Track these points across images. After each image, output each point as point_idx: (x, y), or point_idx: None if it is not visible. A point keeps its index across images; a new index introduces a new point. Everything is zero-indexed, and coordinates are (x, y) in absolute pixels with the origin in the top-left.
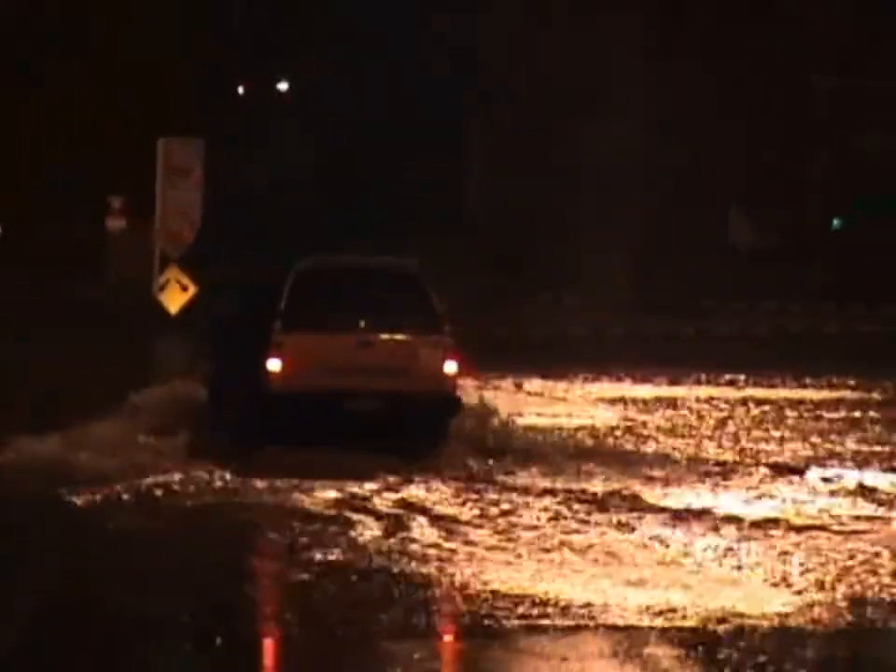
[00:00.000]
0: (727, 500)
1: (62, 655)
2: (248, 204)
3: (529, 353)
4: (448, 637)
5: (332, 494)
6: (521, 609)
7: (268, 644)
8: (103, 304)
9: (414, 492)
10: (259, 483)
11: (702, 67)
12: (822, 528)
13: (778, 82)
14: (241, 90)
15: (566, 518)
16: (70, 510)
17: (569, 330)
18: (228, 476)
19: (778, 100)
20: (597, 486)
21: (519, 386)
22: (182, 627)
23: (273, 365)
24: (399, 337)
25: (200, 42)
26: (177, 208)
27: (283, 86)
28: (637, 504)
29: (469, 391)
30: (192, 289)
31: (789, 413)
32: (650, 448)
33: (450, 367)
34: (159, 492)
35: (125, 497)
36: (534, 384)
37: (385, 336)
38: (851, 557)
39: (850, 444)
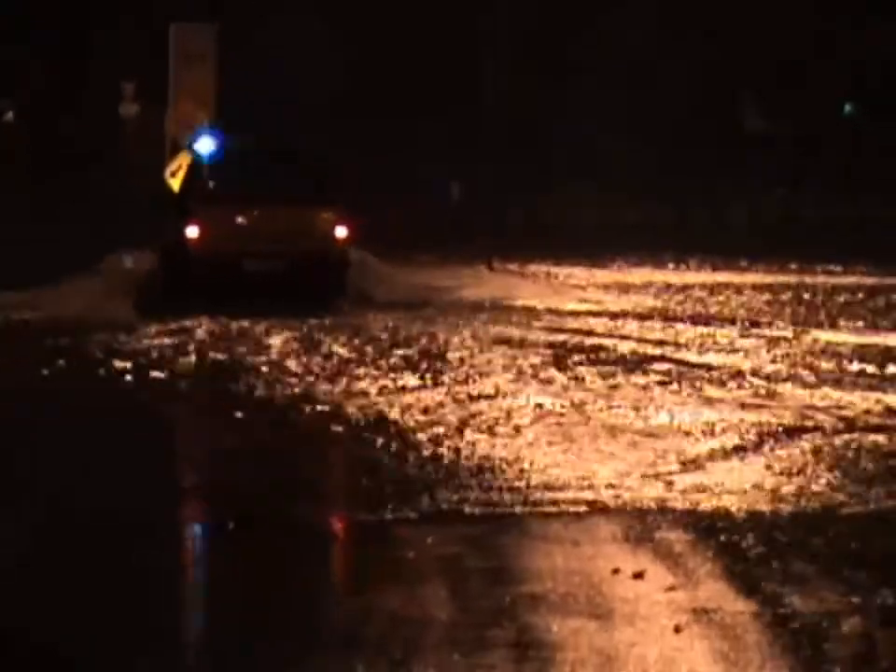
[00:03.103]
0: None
1: None
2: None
3: (537, 238)
4: None
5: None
6: None
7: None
8: (108, 189)
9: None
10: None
11: None
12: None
13: None
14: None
15: None
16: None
17: (580, 218)
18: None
19: None
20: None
21: (495, 269)
22: None
23: (191, 232)
24: (295, 207)
25: None
26: (190, 93)
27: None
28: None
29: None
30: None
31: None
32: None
33: (340, 231)
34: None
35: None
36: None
37: (283, 207)
38: None
39: None
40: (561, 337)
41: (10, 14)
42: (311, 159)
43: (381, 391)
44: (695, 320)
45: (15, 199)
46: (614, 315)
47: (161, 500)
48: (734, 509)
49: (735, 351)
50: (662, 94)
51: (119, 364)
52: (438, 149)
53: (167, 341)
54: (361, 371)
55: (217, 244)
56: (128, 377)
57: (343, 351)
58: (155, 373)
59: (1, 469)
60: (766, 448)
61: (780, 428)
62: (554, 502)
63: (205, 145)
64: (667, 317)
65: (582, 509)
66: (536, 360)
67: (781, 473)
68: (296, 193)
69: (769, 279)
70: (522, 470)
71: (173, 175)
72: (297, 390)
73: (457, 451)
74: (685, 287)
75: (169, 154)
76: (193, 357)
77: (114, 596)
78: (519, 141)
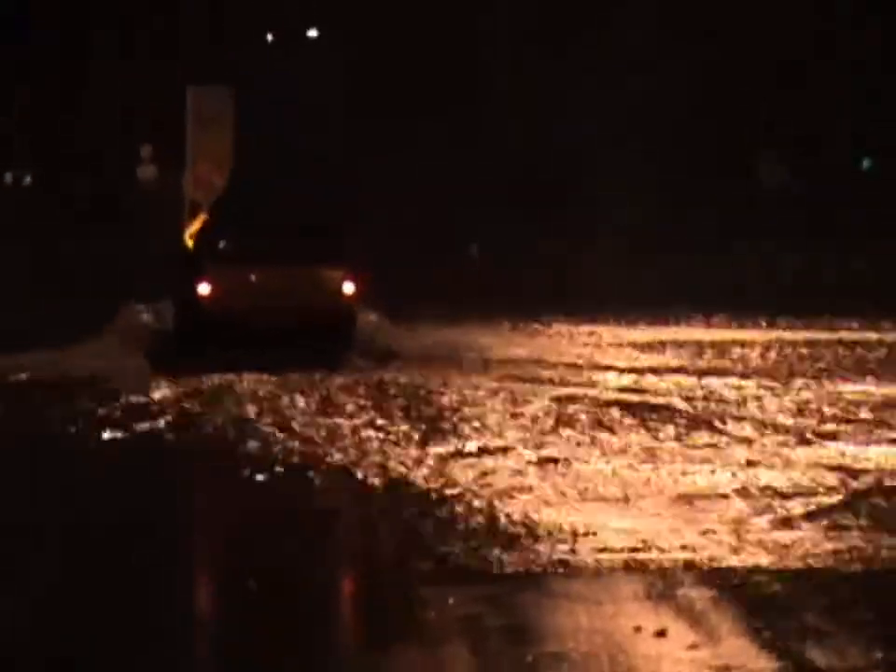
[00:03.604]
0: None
1: None
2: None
3: (558, 295)
4: None
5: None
6: None
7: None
8: (125, 249)
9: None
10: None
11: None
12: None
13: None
14: (269, 37)
15: None
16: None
17: (599, 271)
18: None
19: (807, 40)
20: None
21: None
22: None
23: (203, 289)
24: (303, 266)
25: None
26: (207, 155)
27: (312, 33)
28: None
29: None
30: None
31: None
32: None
33: (347, 288)
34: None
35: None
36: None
37: (291, 265)
38: None
39: None
40: (584, 392)
41: (25, 80)
42: (319, 217)
43: (396, 448)
44: (741, 375)
45: (34, 259)
46: (649, 372)
47: (181, 560)
48: (758, 565)
49: (766, 407)
50: (680, 151)
51: (131, 423)
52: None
53: (181, 399)
54: (375, 431)
55: (227, 301)
56: (141, 435)
57: (357, 408)
58: (168, 433)
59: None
60: (796, 504)
61: (819, 487)
62: (578, 560)
63: (214, 204)
64: (703, 373)
65: (605, 566)
66: (551, 417)
67: (810, 530)
68: (304, 252)
69: (798, 335)
70: (544, 529)
71: (191, 236)
72: (312, 449)
73: (482, 510)
74: (718, 344)
75: (188, 215)
76: (206, 415)
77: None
78: (529, 191)
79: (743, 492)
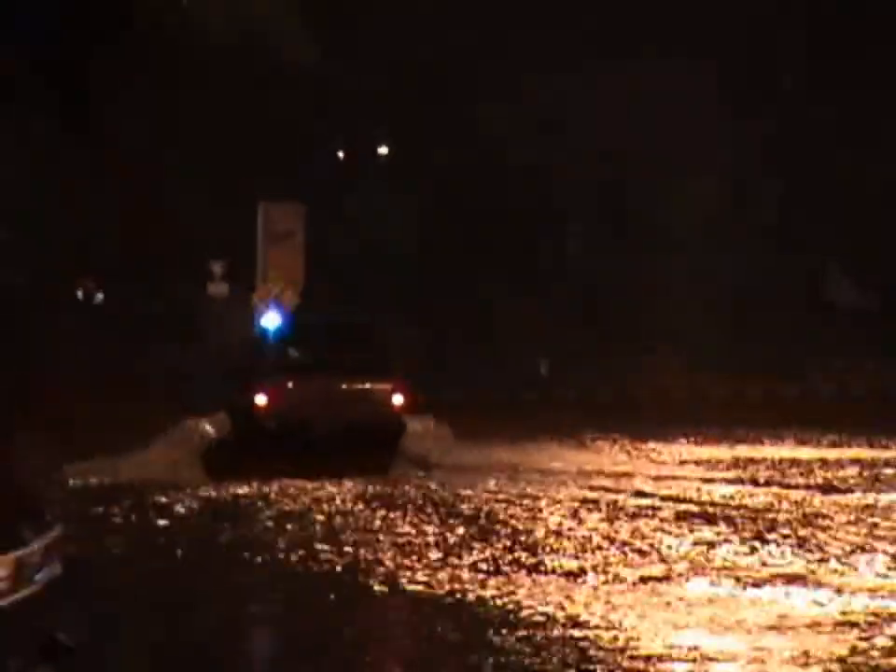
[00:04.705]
0: None
1: None
2: (344, 274)
3: (626, 413)
4: None
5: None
6: None
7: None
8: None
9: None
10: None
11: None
12: None
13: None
14: (341, 154)
15: None
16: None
17: (670, 391)
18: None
19: (878, 148)
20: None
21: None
22: None
23: (260, 400)
24: (354, 378)
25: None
26: (279, 272)
27: (383, 150)
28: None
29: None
30: None
31: None
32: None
33: (397, 399)
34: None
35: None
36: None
37: (345, 377)
38: None
39: None
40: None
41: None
42: (371, 332)
43: (459, 562)
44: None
45: (106, 375)
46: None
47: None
48: None
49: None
50: (741, 265)
51: (189, 524)
52: (520, 318)
53: (239, 503)
54: (445, 554)
55: (282, 411)
56: (192, 538)
57: (422, 525)
58: (224, 534)
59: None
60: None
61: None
62: None
63: (271, 320)
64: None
65: None
66: (625, 527)
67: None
68: (356, 364)
69: (871, 453)
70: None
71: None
72: (375, 558)
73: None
74: (799, 462)
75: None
76: (261, 521)
77: None
78: (597, 306)
79: None
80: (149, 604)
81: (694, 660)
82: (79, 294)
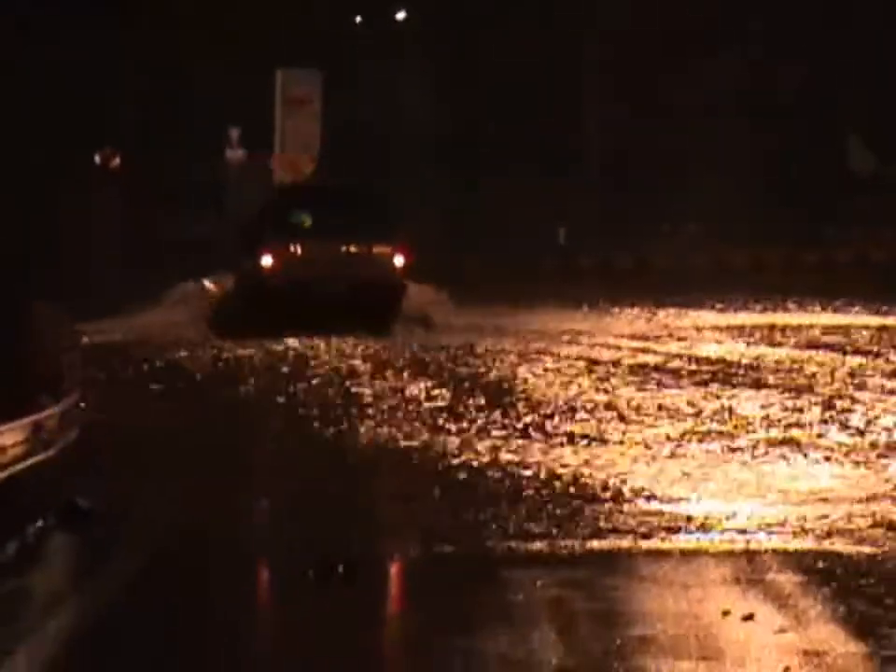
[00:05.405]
0: None
1: None
2: (361, 147)
3: (644, 280)
4: None
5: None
6: None
7: None
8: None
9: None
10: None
11: None
12: None
13: None
14: (358, 19)
15: None
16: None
17: (691, 260)
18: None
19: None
20: None
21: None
22: None
23: (266, 262)
24: (358, 239)
25: None
26: (296, 138)
27: (401, 15)
28: None
29: None
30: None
31: None
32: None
33: (398, 260)
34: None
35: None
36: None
37: (348, 239)
38: None
39: None
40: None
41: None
42: (373, 197)
43: (461, 419)
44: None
45: (123, 239)
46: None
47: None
48: (846, 549)
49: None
50: (764, 134)
51: (193, 376)
52: (537, 185)
53: (243, 357)
54: (450, 417)
55: (287, 272)
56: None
57: (431, 389)
58: (227, 387)
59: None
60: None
61: None
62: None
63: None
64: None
65: (692, 548)
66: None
67: None
68: (358, 227)
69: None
70: (630, 505)
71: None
72: (381, 418)
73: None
74: (822, 328)
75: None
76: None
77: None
78: (617, 177)
79: None
80: (161, 465)
81: (718, 520)
82: (97, 159)
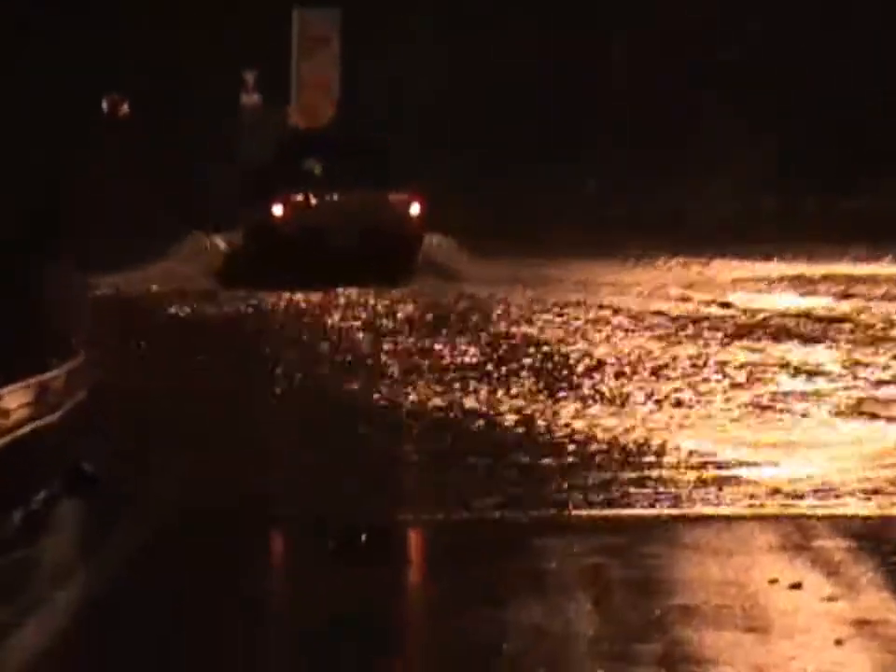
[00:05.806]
0: None
1: None
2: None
3: (674, 231)
4: None
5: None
6: None
7: None
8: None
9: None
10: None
11: None
12: None
13: None
14: None
15: None
16: None
17: (722, 209)
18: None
19: None
20: None
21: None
22: None
23: (277, 211)
24: (372, 188)
25: None
26: (314, 81)
27: None
28: None
29: None
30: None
31: None
32: None
33: (414, 209)
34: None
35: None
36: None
37: (361, 188)
38: None
39: None
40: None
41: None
42: (387, 146)
43: (483, 371)
44: None
45: (132, 185)
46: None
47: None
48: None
49: None
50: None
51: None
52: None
53: (248, 309)
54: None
55: (299, 221)
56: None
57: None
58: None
59: None
60: None
61: None
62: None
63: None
64: None
65: (737, 514)
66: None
67: None
68: (371, 176)
69: None
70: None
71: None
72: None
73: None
74: (859, 278)
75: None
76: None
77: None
78: (644, 131)
79: None
80: (169, 429)
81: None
82: (104, 106)
